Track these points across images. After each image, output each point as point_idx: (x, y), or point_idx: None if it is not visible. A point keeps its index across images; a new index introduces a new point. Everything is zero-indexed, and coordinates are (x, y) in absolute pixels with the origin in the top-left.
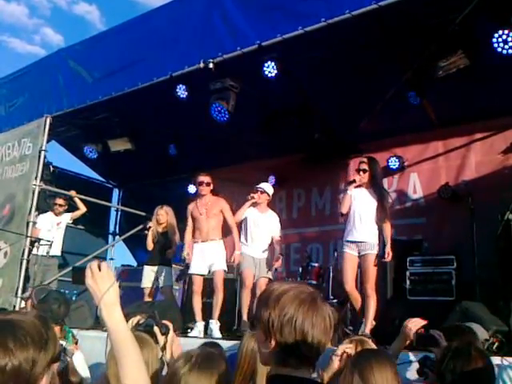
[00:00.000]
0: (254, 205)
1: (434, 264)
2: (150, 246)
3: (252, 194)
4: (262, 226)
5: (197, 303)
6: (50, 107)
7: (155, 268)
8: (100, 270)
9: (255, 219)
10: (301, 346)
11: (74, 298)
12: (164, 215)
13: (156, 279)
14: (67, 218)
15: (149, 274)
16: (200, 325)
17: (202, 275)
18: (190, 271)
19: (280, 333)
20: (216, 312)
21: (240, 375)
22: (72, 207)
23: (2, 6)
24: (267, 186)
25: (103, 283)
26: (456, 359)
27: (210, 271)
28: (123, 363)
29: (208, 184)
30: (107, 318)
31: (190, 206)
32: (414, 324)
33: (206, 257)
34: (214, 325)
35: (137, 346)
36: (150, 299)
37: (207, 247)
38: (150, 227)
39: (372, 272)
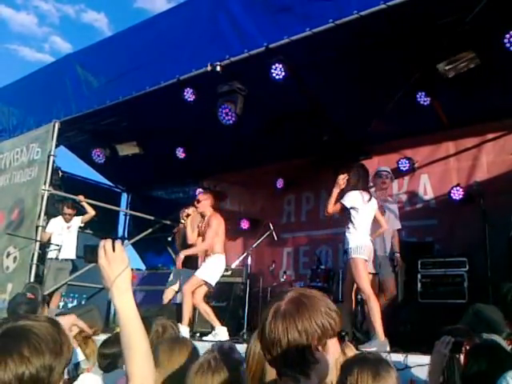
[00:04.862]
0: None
1: (446, 266)
2: (177, 246)
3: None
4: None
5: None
6: (58, 112)
7: (180, 270)
8: (114, 250)
9: (375, 209)
10: (287, 355)
11: (83, 302)
12: (184, 217)
13: (178, 282)
14: (78, 221)
15: (172, 275)
16: None
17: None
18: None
19: (266, 341)
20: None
21: (250, 378)
22: (81, 211)
23: (12, 15)
24: (388, 168)
25: (116, 265)
26: (481, 362)
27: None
28: (131, 353)
29: (198, 201)
30: (118, 304)
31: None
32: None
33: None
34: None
35: (146, 337)
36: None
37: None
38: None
39: (357, 276)
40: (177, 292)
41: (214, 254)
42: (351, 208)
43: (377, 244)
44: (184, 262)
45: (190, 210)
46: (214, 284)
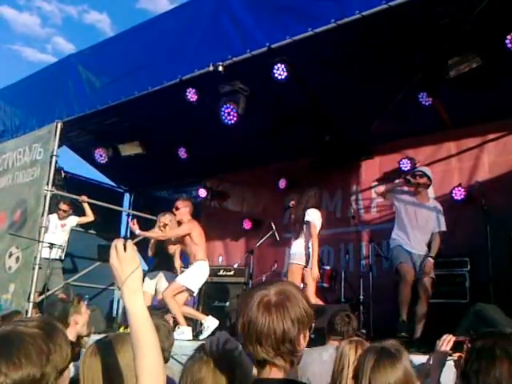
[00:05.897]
0: (414, 192)
1: (448, 266)
2: (149, 252)
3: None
4: (421, 218)
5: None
6: (60, 112)
7: (155, 273)
8: (125, 250)
9: (412, 209)
10: (258, 347)
11: (86, 303)
12: (161, 227)
13: (155, 284)
14: (73, 221)
15: (148, 279)
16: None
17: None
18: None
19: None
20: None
21: None
22: (81, 211)
23: (15, 16)
24: (427, 169)
25: (128, 265)
26: (480, 360)
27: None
28: (140, 352)
29: (176, 208)
30: (128, 303)
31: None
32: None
33: None
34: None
35: (157, 337)
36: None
37: None
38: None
39: (288, 278)
40: (154, 296)
41: (196, 261)
42: (307, 222)
43: (414, 245)
44: (160, 264)
45: (167, 220)
46: (196, 291)
